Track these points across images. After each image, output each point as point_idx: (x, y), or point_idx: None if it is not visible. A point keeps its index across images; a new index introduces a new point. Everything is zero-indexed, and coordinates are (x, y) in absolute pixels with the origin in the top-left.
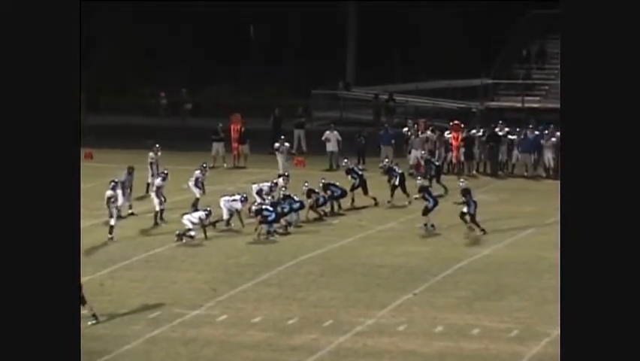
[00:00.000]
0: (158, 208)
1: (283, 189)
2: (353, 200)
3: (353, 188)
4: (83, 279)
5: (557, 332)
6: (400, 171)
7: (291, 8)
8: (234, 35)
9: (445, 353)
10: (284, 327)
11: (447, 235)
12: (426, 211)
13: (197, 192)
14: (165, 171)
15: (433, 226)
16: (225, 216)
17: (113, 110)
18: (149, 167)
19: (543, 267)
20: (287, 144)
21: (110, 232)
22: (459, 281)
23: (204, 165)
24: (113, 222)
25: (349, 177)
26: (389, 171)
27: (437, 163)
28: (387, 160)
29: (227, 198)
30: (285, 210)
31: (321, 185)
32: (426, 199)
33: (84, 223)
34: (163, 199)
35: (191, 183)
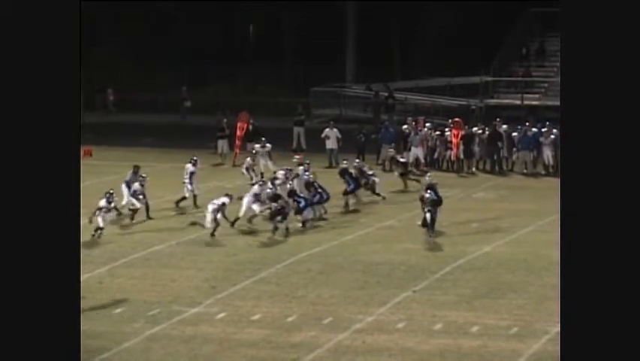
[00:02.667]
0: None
1: (290, 183)
2: (347, 204)
3: (345, 193)
4: (83, 277)
5: (556, 329)
6: (403, 160)
7: (291, 7)
8: (233, 34)
9: (444, 351)
10: (283, 325)
11: (447, 232)
12: (430, 222)
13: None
14: (143, 175)
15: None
16: (208, 223)
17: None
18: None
19: (542, 265)
20: (268, 145)
21: (95, 231)
22: (458, 279)
23: (194, 159)
24: (101, 224)
25: (343, 179)
26: (362, 174)
27: (404, 160)
28: (357, 160)
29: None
30: (301, 204)
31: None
32: (429, 203)
33: (83, 221)
34: (142, 197)
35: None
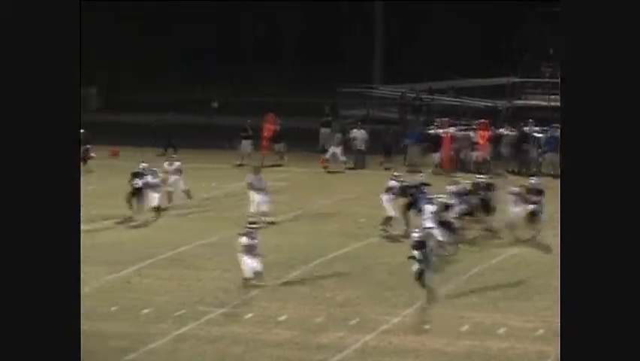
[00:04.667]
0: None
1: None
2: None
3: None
4: (110, 277)
5: None
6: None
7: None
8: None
9: (471, 352)
10: (310, 326)
11: (474, 234)
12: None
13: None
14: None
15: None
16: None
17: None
18: None
19: None
20: (177, 163)
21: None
22: (485, 280)
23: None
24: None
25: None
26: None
27: None
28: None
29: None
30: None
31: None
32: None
33: (109, 222)
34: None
35: None
